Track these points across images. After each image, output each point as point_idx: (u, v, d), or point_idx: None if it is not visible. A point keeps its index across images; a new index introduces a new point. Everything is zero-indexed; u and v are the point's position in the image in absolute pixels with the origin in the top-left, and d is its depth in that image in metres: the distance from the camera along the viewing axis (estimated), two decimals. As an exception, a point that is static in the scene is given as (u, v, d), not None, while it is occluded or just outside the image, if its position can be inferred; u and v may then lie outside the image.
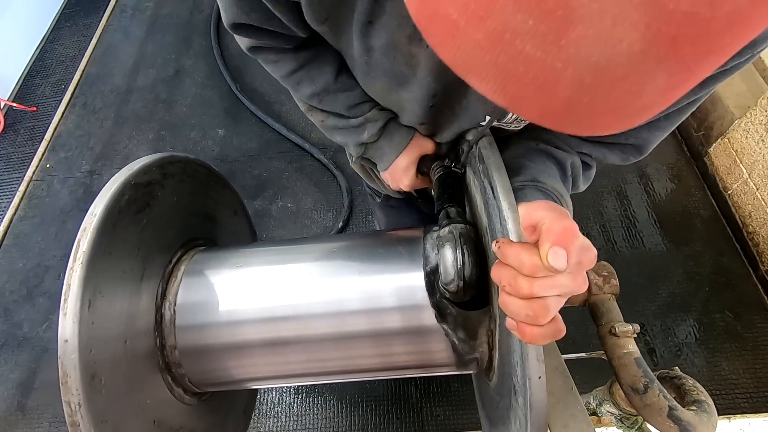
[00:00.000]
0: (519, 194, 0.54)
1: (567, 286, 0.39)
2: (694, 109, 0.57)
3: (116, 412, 0.55)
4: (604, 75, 0.21)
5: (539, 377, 0.42)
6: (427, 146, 0.73)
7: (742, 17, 0.21)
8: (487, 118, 0.59)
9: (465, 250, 0.56)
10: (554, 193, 0.56)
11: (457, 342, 0.60)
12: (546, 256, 0.36)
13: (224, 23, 0.60)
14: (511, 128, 0.63)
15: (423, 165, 0.74)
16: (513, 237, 0.43)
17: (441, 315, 0.60)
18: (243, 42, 0.65)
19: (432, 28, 0.24)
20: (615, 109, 0.23)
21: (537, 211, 0.42)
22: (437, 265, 0.59)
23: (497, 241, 0.42)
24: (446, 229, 0.60)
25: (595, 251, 0.40)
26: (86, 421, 0.50)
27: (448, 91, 0.58)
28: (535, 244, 0.39)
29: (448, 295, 0.58)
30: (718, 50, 0.22)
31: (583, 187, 0.67)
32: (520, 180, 0.57)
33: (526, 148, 0.64)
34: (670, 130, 0.59)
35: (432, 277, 0.61)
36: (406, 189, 0.78)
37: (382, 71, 0.58)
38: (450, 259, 0.56)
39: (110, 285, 0.57)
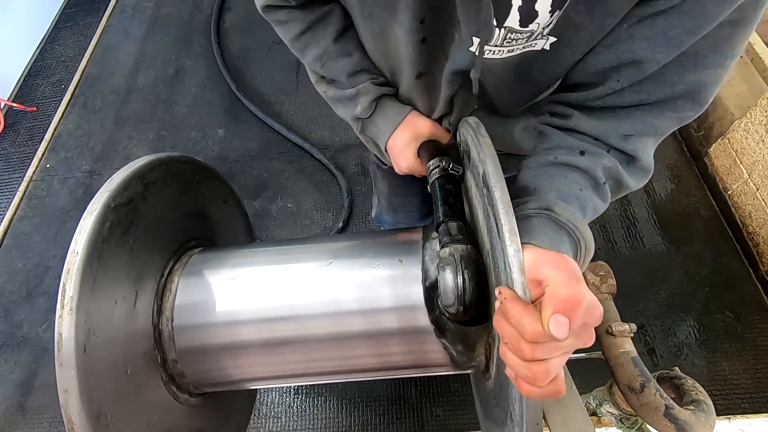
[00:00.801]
0: (527, 224, 0.51)
1: (571, 347, 0.39)
2: (742, 39, 0.47)
3: None
4: None
5: (537, 424, 0.42)
6: (423, 125, 0.72)
7: None
8: (475, 40, 0.55)
9: (466, 275, 0.54)
10: (568, 225, 0.51)
11: (455, 354, 0.60)
12: (547, 324, 0.36)
13: None
14: (497, 56, 0.58)
15: (423, 152, 0.73)
16: (518, 288, 0.41)
17: (440, 330, 0.59)
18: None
19: None
20: None
21: (544, 268, 0.41)
22: (436, 281, 0.58)
23: (500, 291, 0.41)
24: (446, 250, 0.57)
25: (601, 309, 0.39)
26: None
27: (435, 15, 0.56)
28: (538, 306, 0.38)
29: (447, 315, 0.58)
30: None
31: (634, 184, 0.59)
32: (532, 208, 0.53)
33: (542, 164, 0.59)
34: (722, 70, 0.50)
35: (431, 293, 0.60)
36: (404, 170, 0.76)
37: (372, 1, 0.58)
38: (450, 284, 0.54)
39: (104, 321, 0.55)
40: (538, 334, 0.37)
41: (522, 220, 0.51)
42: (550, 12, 0.49)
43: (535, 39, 0.54)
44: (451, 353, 0.60)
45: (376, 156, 1.00)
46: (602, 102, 0.55)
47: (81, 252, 0.54)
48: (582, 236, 0.52)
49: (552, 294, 0.38)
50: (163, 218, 0.70)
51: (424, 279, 0.62)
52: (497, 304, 0.42)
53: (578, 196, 0.54)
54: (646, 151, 0.57)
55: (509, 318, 0.40)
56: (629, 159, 0.57)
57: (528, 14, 0.50)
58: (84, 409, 0.50)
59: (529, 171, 0.59)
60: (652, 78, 0.51)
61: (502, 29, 0.53)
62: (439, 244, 0.60)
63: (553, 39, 0.53)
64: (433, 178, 0.68)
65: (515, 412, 0.46)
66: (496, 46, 0.55)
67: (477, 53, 0.56)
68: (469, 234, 0.61)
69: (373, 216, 1.35)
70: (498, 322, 0.41)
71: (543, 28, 0.52)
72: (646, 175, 0.59)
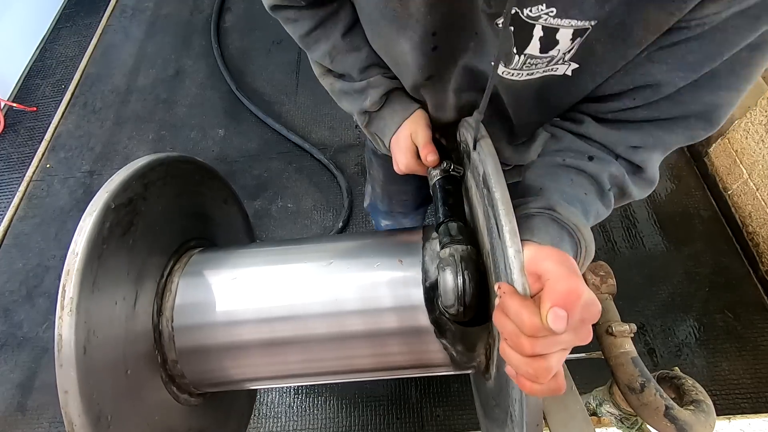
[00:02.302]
0: (529, 222, 0.51)
1: (569, 343, 0.39)
2: (761, 63, 0.47)
3: None
4: None
5: (537, 425, 0.42)
6: (422, 130, 0.71)
7: None
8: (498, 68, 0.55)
9: (466, 276, 0.54)
10: (569, 225, 0.52)
11: (455, 354, 0.59)
12: (546, 317, 0.36)
13: None
14: (516, 78, 0.57)
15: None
16: (518, 287, 0.41)
17: (440, 331, 0.59)
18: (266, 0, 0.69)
19: None
20: None
21: (544, 262, 0.41)
22: (436, 281, 0.58)
23: (500, 286, 0.41)
24: (447, 250, 0.57)
25: (599, 306, 0.39)
26: None
27: (449, 28, 0.55)
28: (537, 301, 0.38)
29: (447, 316, 0.58)
30: None
31: (638, 194, 0.59)
32: (535, 207, 0.53)
33: (550, 165, 0.59)
34: (737, 93, 0.50)
35: (431, 294, 0.60)
36: (401, 168, 0.75)
37: (380, 13, 0.58)
38: (450, 284, 0.54)
39: (104, 322, 0.55)
40: (537, 327, 0.37)
41: (523, 219, 0.52)
42: (570, 39, 0.49)
43: (556, 64, 0.53)
44: (451, 353, 0.60)
45: (371, 142, 1.00)
46: (615, 116, 0.56)
47: (81, 253, 0.53)
48: (583, 237, 0.52)
49: (551, 288, 0.38)
50: (163, 218, 0.69)
51: (424, 279, 0.62)
52: (497, 300, 0.42)
53: (582, 200, 0.55)
54: (653, 162, 0.57)
55: (508, 313, 0.40)
56: (636, 169, 0.57)
57: (549, 42, 0.50)
58: (84, 411, 0.50)
59: (535, 171, 0.59)
60: (668, 97, 0.51)
61: (522, 56, 0.52)
62: (440, 244, 0.60)
63: (575, 65, 0.53)
64: (434, 180, 0.68)
65: (515, 413, 0.46)
66: (516, 69, 0.55)
67: (493, 72, 0.56)
68: (469, 234, 0.61)
69: (366, 205, 1.35)
70: (497, 318, 0.42)
71: (564, 54, 0.51)
72: (650, 186, 0.59)
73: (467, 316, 0.56)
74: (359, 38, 0.69)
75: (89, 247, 0.54)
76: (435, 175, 0.69)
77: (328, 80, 0.76)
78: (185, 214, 0.77)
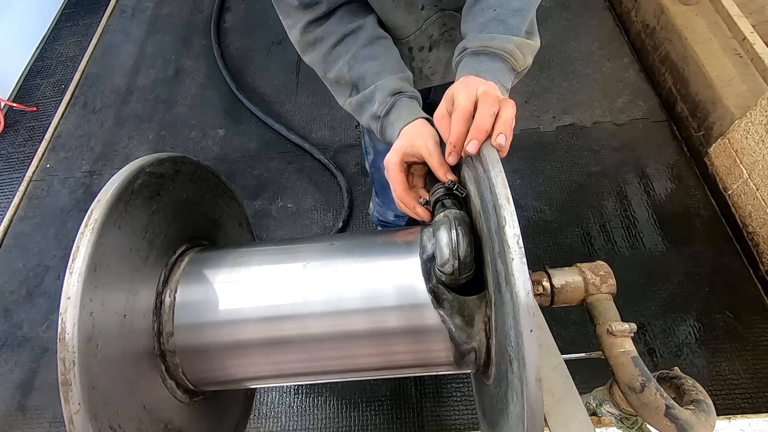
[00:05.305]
0: (458, 69, 0.69)
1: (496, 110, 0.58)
2: None
3: (108, 381, 0.54)
4: None
5: (531, 330, 0.43)
6: (430, 131, 0.69)
7: None
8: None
9: (459, 231, 0.57)
10: (481, 50, 0.68)
11: (453, 329, 0.59)
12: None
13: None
14: None
15: (428, 181, 0.72)
16: (502, 201, 0.48)
17: (437, 301, 0.59)
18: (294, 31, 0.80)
19: None
20: None
21: (456, 91, 0.60)
22: (433, 253, 0.60)
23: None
24: (441, 214, 0.61)
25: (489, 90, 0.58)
26: (78, 382, 0.49)
27: None
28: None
29: (444, 279, 0.58)
30: None
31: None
32: (457, 55, 0.69)
33: (469, 6, 0.74)
34: None
35: (428, 264, 0.61)
36: (389, 166, 0.71)
37: None
38: (445, 239, 0.57)
39: (116, 257, 0.58)
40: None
41: (457, 70, 0.70)
42: None
43: None
44: (449, 328, 0.59)
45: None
46: None
47: (113, 189, 0.57)
48: (497, 48, 0.67)
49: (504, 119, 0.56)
50: (184, 206, 0.73)
51: (422, 253, 0.63)
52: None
53: (493, 16, 0.68)
54: None
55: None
56: None
57: None
58: (80, 321, 0.51)
59: (463, 22, 0.75)
60: None
61: None
62: (434, 217, 0.63)
63: None
64: (436, 196, 0.67)
65: (512, 342, 0.46)
66: None
67: None
68: (464, 208, 0.64)
69: (373, 213, 1.34)
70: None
71: None
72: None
73: (462, 274, 0.57)
74: (378, 50, 0.78)
75: (121, 188, 0.58)
76: (438, 192, 0.67)
77: (348, 99, 0.82)
78: (203, 215, 0.81)
